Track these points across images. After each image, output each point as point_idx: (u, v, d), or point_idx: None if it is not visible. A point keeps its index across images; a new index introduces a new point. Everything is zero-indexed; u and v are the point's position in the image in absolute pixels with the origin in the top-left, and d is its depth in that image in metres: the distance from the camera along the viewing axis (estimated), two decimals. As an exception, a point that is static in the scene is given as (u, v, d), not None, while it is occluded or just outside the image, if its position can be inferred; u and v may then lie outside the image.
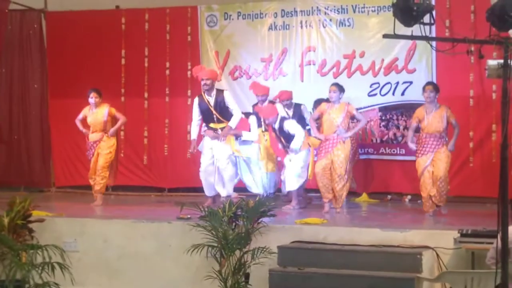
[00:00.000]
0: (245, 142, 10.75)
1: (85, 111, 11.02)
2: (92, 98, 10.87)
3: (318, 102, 10.88)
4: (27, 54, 13.37)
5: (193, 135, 10.65)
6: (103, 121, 10.85)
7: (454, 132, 9.77)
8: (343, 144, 10.01)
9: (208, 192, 10.61)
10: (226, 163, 10.47)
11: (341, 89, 10.18)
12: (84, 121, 11.06)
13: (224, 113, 10.50)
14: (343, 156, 9.98)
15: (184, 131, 12.44)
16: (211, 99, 10.47)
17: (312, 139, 10.45)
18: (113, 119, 10.97)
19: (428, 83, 9.95)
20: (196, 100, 10.67)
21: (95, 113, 10.91)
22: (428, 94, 9.67)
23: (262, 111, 10.59)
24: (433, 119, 9.62)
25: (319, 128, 10.37)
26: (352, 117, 10.29)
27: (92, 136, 10.93)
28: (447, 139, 9.67)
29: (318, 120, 10.37)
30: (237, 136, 10.62)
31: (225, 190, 10.45)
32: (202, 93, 10.52)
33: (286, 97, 11.04)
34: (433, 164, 9.58)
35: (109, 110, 10.91)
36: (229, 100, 10.52)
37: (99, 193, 10.93)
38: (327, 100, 10.37)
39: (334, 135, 10.01)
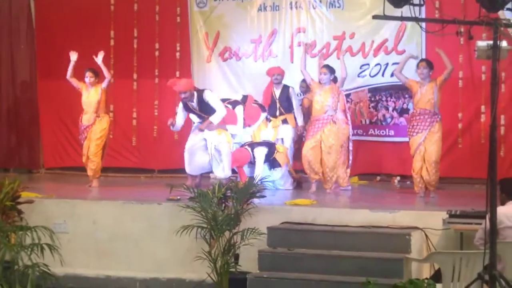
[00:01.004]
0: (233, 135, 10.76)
1: (82, 86, 10.92)
2: (87, 77, 10.82)
3: None
4: (16, 35, 13.29)
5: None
6: (96, 101, 10.78)
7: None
8: (334, 125, 10.03)
9: (189, 170, 10.59)
10: (227, 146, 10.46)
11: (332, 71, 10.23)
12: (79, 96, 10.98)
13: (210, 112, 10.42)
14: (332, 137, 9.99)
15: (173, 113, 12.41)
16: (194, 105, 10.46)
17: (279, 147, 10.53)
18: (105, 97, 10.91)
19: (422, 60, 9.94)
20: (180, 104, 10.61)
21: (90, 93, 10.85)
22: (421, 71, 9.66)
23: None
24: (426, 92, 9.57)
25: (309, 109, 10.45)
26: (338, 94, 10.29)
27: (85, 119, 10.87)
28: (440, 116, 9.63)
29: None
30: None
31: (224, 173, 10.43)
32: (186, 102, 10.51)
33: (277, 72, 11.03)
34: (425, 146, 9.56)
35: (102, 89, 10.85)
36: (211, 99, 10.43)
37: (93, 178, 10.91)
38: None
39: (324, 115, 10.02)
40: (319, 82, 10.27)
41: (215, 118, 10.33)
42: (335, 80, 10.30)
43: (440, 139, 9.60)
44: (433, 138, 9.53)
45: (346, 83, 11.37)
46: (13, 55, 13.33)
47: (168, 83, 10.75)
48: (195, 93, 10.44)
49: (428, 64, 9.71)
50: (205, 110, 10.40)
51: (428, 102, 9.55)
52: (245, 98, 11.22)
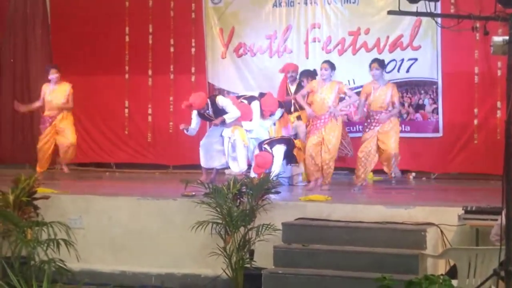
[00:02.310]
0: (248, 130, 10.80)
1: (45, 88, 11.08)
2: (53, 74, 10.94)
3: (304, 74, 10.91)
4: (31, 31, 13.34)
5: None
6: (61, 101, 10.90)
7: (391, 111, 9.91)
8: (335, 122, 9.97)
9: (204, 164, 10.65)
10: (241, 141, 10.53)
11: (332, 66, 10.17)
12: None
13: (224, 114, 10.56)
14: (333, 134, 9.94)
15: (188, 110, 12.44)
16: (210, 112, 10.55)
17: (299, 143, 10.54)
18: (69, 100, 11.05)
19: (373, 61, 10.09)
20: (195, 111, 10.67)
21: (55, 90, 10.93)
22: (373, 72, 9.88)
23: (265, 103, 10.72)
24: (379, 96, 9.78)
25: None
26: (344, 94, 10.30)
27: (48, 112, 11.02)
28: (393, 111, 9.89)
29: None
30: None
31: (239, 168, 10.49)
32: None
33: (292, 68, 11.05)
34: (381, 141, 9.79)
35: (70, 89, 10.95)
36: (225, 104, 10.52)
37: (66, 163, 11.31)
38: (314, 72, 10.56)
39: (326, 114, 9.96)
40: (320, 78, 10.23)
41: (228, 117, 10.43)
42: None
43: (395, 131, 9.89)
44: (387, 134, 9.81)
45: (361, 79, 11.40)
46: (28, 51, 13.38)
47: (183, 107, 10.70)
48: (210, 103, 10.51)
49: (380, 65, 9.86)
50: (220, 115, 10.47)
51: (380, 105, 9.79)
52: (262, 95, 11.22)
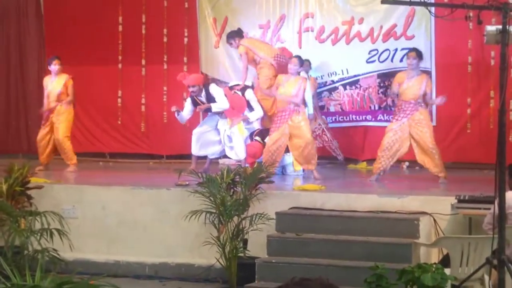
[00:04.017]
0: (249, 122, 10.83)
1: (46, 80, 11.01)
2: (55, 65, 10.86)
3: (231, 35, 11.28)
4: (24, 22, 13.30)
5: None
6: (58, 91, 10.84)
7: (432, 101, 9.78)
8: (303, 114, 9.85)
9: (195, 151, 10.66)
10: (238, 133, 10.56)
11: (301, 62, 10.17)
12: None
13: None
14: (303, 123, 9.83)
15: (182, 99, 12.43)
16: (202, 99, 10.56)
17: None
18: (67, 90, 10.97)
19: (412, 50, 9.88)
20: (189, 99, 10.73)
21: (54, 82, 10.90)
22: (410, 61, 9.62)
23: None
24: (412, 85, 9.51)
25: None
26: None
27: (49, 105, 10.97)
28: (423, 105, 9.56)
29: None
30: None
31: (238, 156, 10.52)
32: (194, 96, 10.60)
33: (288, 55, 11.09)
34: (414, 135, 9.43)
35: (68, 80, 10.89)
36: (215, 92, 10.54)
37: (72, 164, 11.03)
38: (240, 31, 11.06)
39: (290, 106, 9.83)
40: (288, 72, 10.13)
41: (215, 106, 10.45)
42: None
43: (427, 124, 9.52)
44: (419, 126, 9.44)
45: (355, 69, 11.40)
46: (22, 42, 13.34)
47: (178, 78, 10.77)
48: (203, 90, 10.51)
49: (418, 55, 9.66)
50: (212, 103, 10.49)
51: (414, 95, 9.49)
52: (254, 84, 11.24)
